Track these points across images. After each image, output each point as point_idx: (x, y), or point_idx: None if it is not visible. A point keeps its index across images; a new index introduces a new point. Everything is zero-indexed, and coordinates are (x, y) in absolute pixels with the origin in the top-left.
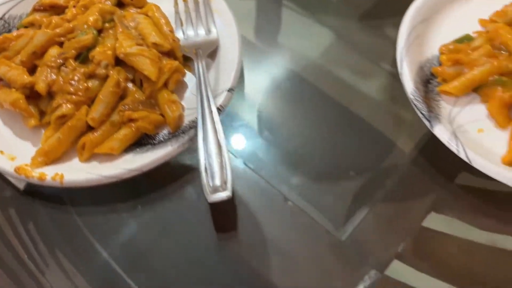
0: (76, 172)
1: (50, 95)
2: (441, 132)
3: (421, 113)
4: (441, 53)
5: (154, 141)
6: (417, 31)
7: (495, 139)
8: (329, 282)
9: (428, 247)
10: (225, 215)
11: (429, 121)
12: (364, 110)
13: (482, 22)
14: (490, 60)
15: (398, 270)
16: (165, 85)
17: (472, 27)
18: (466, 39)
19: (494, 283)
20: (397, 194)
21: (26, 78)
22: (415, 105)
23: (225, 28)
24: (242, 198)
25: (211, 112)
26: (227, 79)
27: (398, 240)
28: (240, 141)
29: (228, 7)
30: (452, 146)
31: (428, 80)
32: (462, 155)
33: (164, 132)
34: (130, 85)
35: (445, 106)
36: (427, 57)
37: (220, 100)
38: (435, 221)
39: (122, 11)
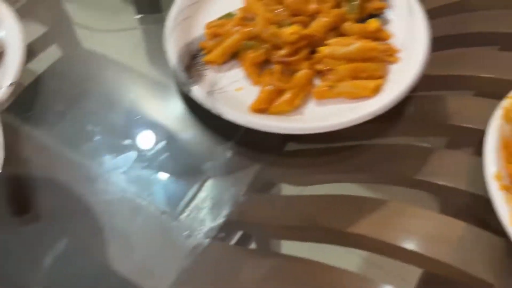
0: None
1: None
2: (196, 94)
3: (180, 81)
4: (207, 29)
5: None
6: (188, 13)
7: (251, 95)
8: (166, 255)
9: (254, 209)
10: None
11: (186, 87)
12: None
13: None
14: (240, 29)
15: (228, 234)
16: None
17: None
18: (228, 16)
19: (315, 225)
20: (225, 170)
21: None
22: (176, 76)
23: (10, 33)
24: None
25: None
26: (9, 76)
27: (227, 208)
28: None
29: (13, 15)
30: (207, 103)
31: (196, 54)
32: (215, 110)
33: None
34: None
35: (210, 74)
36: (196, 35)
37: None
38: (259, 187)
39: None
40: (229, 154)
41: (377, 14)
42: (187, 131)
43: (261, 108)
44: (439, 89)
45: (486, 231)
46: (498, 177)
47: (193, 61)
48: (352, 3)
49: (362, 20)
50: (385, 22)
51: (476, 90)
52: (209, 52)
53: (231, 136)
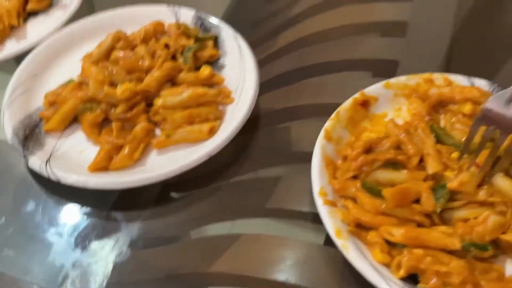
0: None
1: None
2: (33, 164)
3: (20, 153)
4: (45, 98)
5: None
6: (26, 86)
7: (92, 156)
8: None
9: (133, 268)
10: None
11: (25, 158)
12: None
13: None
14: (75, 93)
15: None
16: None
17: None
18: (68, 83)
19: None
20: (104, 234)
21: None
22: (15, 149)
23: None
24: None
25: None
26: None
27: (107, 272)
28: None
29: None
30: (44, 172)
31: (37, 125)
32: (52, 177)
33: None
34: None
35: (52, 141)
36: (37, 106)
37: None
38: (139, 244)
39: None
40: (106, 217)
41: (212, 61)
42: (60, 201)
43: (100, 167)
44: (286, 120)
45: (329, 246)
46: (322, 194)
47: (33, 132)
48: (186, 54)
49: (199, 68)
50: (220, 67)
51: (317, 116)
52: (48, 120)
53: (107, 198)
